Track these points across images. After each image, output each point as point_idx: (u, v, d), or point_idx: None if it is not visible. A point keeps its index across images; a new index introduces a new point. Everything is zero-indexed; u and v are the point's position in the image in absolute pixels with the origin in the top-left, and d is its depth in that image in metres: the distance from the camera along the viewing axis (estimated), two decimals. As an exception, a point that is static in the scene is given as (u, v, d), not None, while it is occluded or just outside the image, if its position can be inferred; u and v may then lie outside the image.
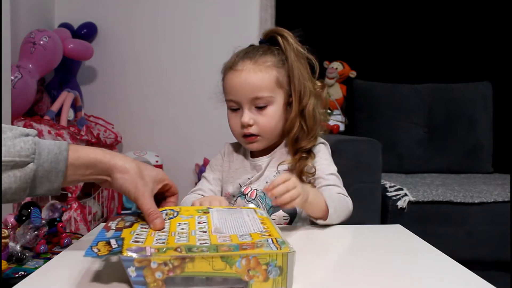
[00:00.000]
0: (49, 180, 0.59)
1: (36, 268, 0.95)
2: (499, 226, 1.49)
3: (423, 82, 2.17)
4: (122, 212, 0.69)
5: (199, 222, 0.60)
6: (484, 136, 2.08)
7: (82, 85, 2.43)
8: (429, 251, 0.68)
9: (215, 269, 0.47)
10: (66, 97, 2.10)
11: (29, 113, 2.03)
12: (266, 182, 0.88)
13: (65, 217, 1.74)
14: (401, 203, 1.47)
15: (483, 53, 2.28)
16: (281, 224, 0.87)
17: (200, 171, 2.38)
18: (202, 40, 2.45)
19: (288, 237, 0.71)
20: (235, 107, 0.89)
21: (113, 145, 2.36)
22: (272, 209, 0.87)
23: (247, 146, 0.92)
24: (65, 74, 2.29)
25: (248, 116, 0.87)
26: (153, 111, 2.49)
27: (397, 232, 0.82)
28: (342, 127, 2.18)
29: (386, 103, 2.12)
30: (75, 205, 1.85)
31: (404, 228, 0.83)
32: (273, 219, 0.86)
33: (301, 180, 0.84)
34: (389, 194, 1.51)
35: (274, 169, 0.90)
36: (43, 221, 1.22)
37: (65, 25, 2.36)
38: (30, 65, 1.92)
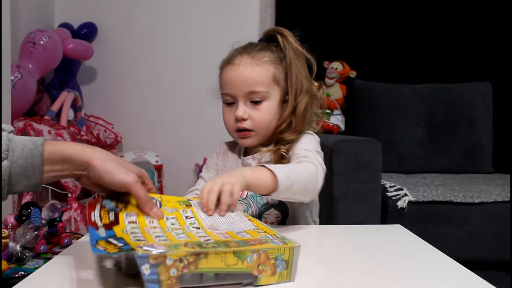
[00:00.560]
0: (26, 176, 0.57)
1: (36, 268, 0.95)
2: (499, 226, 1.49)
3: (423, 82, 2.17)
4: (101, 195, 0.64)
5: (186, 217, 0.59)
6: (484, 136, 2.08)
7: (82, 85, 2.43)
8: (429, 251, 0.68)
9: (227, 265, 0.47)
10: (66, 97, 2.10)
11: (29, 113, 2.03)
12: None
13: (65, 217, 1.74)
14: (401, 203, 1.47)
15: (483, 53, 2.28)
16: (273, 223, 0.87)
17: (200, 171, 2.38)
18: (202, 40, 2.45)
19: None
20: (230, 101, 0.89)
21: (113, 145, 2.37)
22: (264, 208, 0.87)
23: (240, 142, 0.91)
24: (65, 74, 2.29)
25: (242, 109, 0.86)
26: (153, 111, 2.49)
27: (397, 232, 0.82)
28: (342, 127, 2.18)
29: (386, 103, 2.12)
30: (75, 205, 1.85)
31: (404, 228, 0.83)
32: (265, 218, 0.86)
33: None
34: (389, 194, 1.51)
35: None
36: (43, 221, 1.22)
37: (65, 25, 2.36)
38: (30, 65, 1.92)
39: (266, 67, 0.87)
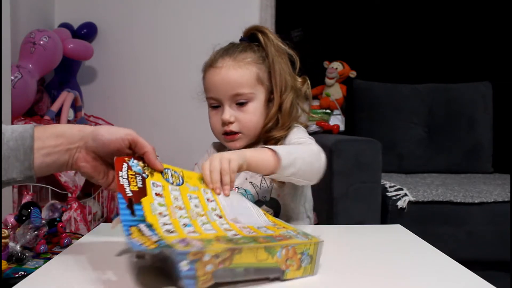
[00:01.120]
0: (18, 159, 0.57)
1: (36, 268, 0.95)
2: (499, 226, 1.49)
3: (423, 82, 2.17)
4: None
5: (208, 199, 0.61)
6: (484, 136, 2.08)
7: (82, 85, 2.43)
8: (429, 251, 0.68)
9: (258, 260, 0.49)
10: (66, 97, 2.10)
11: (29, 113, 2.03)
12: (246, 179, 0.88)
13: (65, 217, 1.74)
14: (401, 203, 1.47)
15: (483, 53, 2.28)
16: None
17: (200, 171, 2.38)
18: (202, 40, 2.43)
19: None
20: (215, 104, 0.89)
21: (113, 145, 2.36)
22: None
23: (227, 145, 0.90)
24: (65, 74, 2.29)
25: (228, 113, 0.86)
26: (153, 111, 2.49)
27: (397, 232, 0.82)
28: (342, 127, 2.18)
29: (386, 103, 2.12)
30: (75, 205, 1.85)
31: (404, 228, 0.83)
32: None
33: None
34: (389, 194, 1.51)
35: None
36: (43, 221, 1.21)
37: (65, 25, 2.36)
38: (30, 65, 1.91)
39: (249, 68, 0.86)
